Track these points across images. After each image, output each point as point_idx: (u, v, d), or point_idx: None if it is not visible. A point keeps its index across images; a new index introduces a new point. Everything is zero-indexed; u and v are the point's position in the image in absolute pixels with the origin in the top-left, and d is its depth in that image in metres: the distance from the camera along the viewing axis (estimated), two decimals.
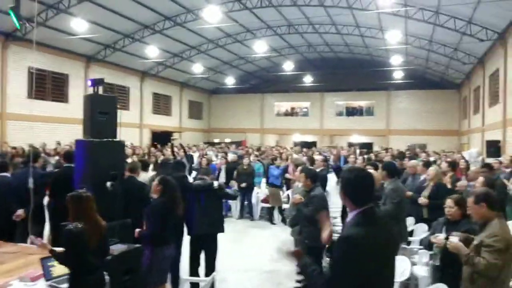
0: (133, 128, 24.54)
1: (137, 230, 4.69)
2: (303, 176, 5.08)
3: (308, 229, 4.90)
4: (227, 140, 29.14)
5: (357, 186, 2.39)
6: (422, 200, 6.00)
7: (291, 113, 33.24)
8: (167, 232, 4.58)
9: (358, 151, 19.85)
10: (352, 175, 2.46)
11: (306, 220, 4.90)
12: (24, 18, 15.57)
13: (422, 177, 6.92)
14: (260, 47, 22.00)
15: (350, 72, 28.27)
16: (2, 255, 4.77)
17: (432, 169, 6.28)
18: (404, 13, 17.22)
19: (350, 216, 2.40)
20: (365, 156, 10.87)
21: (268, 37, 23.16)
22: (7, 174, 6.17)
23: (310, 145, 27.60)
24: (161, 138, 25.98)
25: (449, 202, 4.25)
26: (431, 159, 11.90)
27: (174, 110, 30.08)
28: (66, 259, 3.56)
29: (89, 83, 5.74)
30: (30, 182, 4.93)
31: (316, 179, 5.11)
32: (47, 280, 3.81)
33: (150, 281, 4.49)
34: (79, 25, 16.83)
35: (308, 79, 28.75)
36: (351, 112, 31.32)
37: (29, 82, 18.53)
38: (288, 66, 25.64)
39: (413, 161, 7.76)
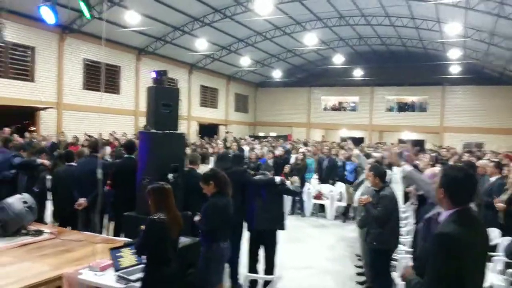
0: (181, 120, 24.78)
1: (196, 218, 4.57)
2: (372, 175, 4.82)
3: (376, 231, 4.65)
4: (273, 134, 28.98)
5: (463, 186, 2.31)
6: (500, 205, 5.55)
7: (339, 107, 32.53)
8: (223, 230, 4.46)
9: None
10: (461, 174, 2.35)
11: (374, 221, 4.65)
12: (79, 10, 16.12)
13: (492, 179, 6.43)
14: (309, 40, 21.62)
15: (402, 65, 27.23)
16: (70, 243, 4.86)
17: None
18: (465, 4, 16.29)
19: (445, 214, 2.32)
20: (432, 154, 10.33)
21: (318, 30, 22.69)
22: (73, 164, 6.31)
23: (358, 141, 26.94)
24: (207, 130, 26.25)
25: None
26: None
27: (221, 103, 30.26)
28: (144, 248, 3.59)
29: (153, 74, 5.72)
30: (99, 173, 4.98)
31: (385, 178, 4.84)
32: (116, 270, 3.82)
33: (208, 280, 4.37)
34: (132, 18, 17.18)
35: (357, 73, 27.98)
36: (403, 107, 30.21)
37: (84, 73, 19.18)
38: (338, 59, 25.06)
39: (482, 161, 7.26)
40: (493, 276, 4.94)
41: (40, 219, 6.11)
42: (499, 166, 6.49)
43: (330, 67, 27.48)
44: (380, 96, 30.40)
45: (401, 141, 25.74)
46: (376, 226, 4.63)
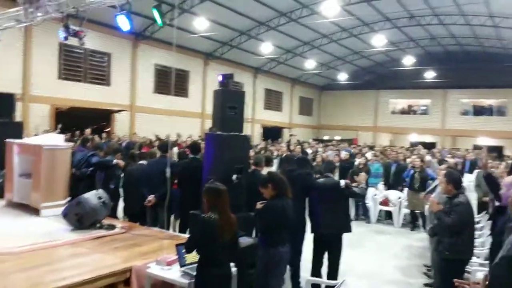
0: (245, 123, 25.14)
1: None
2: (445, 181, 4.54)
3: (449, 240, 4.36)
4: (337, 137, 28.45)
5: None
6: None
7: (408, 111, 31.20)
8: (282, 233, 4.38)
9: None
10: None
11: (447, 229, 4.37)
12: (151, 18, 16.91)
13: None
14: (377, 41, 21.07)
15: (479, 67, 25.50)
16: (139, 238, 5.11)
17: None
18: None
19: None
20: (508, 162, 9.58)
21: (387, 31, 22.00)
22: (144, 162, 6.63)
23: (429, 146, 25.63)
24: (271, 133, 26.37)
25: None
26: None
27: (285, 106, 30.30)
28: (192, 246, 3.62)
29: (220, 78, 5.85)
30: (168, 172, 5.16)
31: (460, 185, 4.53)
32: (181, 266, 3.92)
33: (267, 284, 4.33)
34: (200, 24, 17.79)
35: (429, 75, 26.71)
36: (479, 111, 28.31)
37: (155, 77, 20.12)
38: (408, 61, 24.14)
39: None
40: None
41: (113, 214, 6.48)
42: None
43: (399, 69, 26.49)
44: (453, 99, 28.76)
45: (476, 147, 24.12)
46: (449, 235, 4.35)
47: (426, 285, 5.93)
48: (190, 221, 5.53)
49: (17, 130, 8.38)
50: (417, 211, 9.36)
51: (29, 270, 3.88)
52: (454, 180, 4.52)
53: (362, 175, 5.62)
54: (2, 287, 3.40)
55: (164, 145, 6.96)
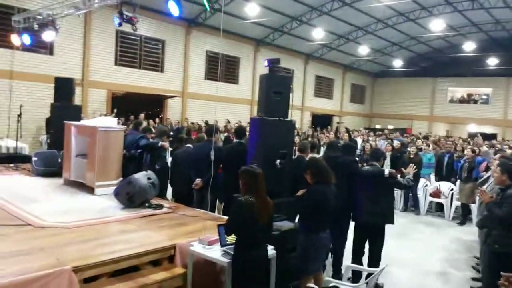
0: (295, 110, 25.08)
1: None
2: (498, 171, 4.31)
3: (499, 233, 4.16)
4: (390, 126, 27.60)
5: None
6: None
7: (468, 100, 29.56)
8: (322, 219, 4.36)
9: None
10: None
11: (498, 222, 4.16)
12: (212, 2, 17.18)
13: None
14: (436, 26, 20.08)
15: None
16: (184, 218, 5.30)
17: None
18: None
19: None
20: None
21: (446, 15, 20.84)
22: (191, 146, 6.82)
23: (489, 137, 24.25)
24: (321, 121, 26.07)
25: None
26: None
27: (336, 93, 29.74)
28: (232, 229, 3.70)
29: (266, 63, 5.85)
30: (212, 155, 5.27)
31: None
32: (222, 246, 4.03)
33: (306, 268, 4.36)
34: (251, 10, 17.77)
35: (492, 62, 25.08)
36: None
37: (206, 64, 20.46)
38: (468, 47, 22.79)
39: None
40: None
41: (162, 195, 6.75)
42: None
43: (459, 55, 25.10)
44: None
45: None
46: (500, 228, 4.15)
47: (474, 279, 5.70)
48: (230, 204, 5.64)
49: (76, 113, 8.93)
50: (467, 204, 8.97)
51: (80, 244, 4.14)
52: (509, 170, 4.28)
53: (410, 166, 5.44)
54: (55, 257, 3.66)
55: (211, 130, 7.11)
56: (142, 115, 12.56)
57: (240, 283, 3.62)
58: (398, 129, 24.40)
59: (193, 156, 6.53)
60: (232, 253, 3.72)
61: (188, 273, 4.05)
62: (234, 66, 22.22)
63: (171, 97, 18.66)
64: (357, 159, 9.30)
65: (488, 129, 27.71)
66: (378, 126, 28.47)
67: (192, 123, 17.03)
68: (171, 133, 10.15)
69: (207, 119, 17.64)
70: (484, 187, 5.06)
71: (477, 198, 6.74)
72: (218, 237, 4.10)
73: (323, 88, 28.73)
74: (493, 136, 24.96)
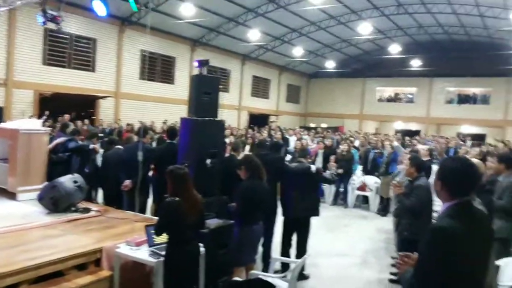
0: (232, 110, 25.28)
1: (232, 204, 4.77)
2: (408, 165, 4.72)
3: (408, 221, 4.57)
4: (324, 125, 28.63)
5: (460, 177, 2.17)
6: None
7: (394, 99, 31.48)
8: (254, 212, 4.59)
9: (469, 142, 18.24)
10: (458, 164, 2.22)
11: (407, 211, 4.56)
12: (139, 2, 16.84)
13: None
14: (365, 29, 21.12)
15: (465, 55, 25.74)
16: (112, 220, 5.22)
17: None
18: None
19: (443, 207, 2.20)
20: (481, 149, 9.87)
21: (374, 18, 22.08)
22: (121, 147, 6.72)
23: (413, 133, 25.95)
24: (258, 120, 26.45)
25: None
26: None
27: (272, 93, 30.35)
28: (161, 229, 3.75)
29: (196, 64, 5.91)
30: (140, 155, 5.26)
31: (422, 168, 4.72)
32: (150, 246, 4.06)
33: (240, 259, 4.55)
34: (187, 10, 17.68)
35: (415, 63, 26.88)
36: (463, 99, 28.64)
37: (141, 64, 20.04)
38: (394, 49, 24.23)
39: None
40: None
41: (91, 198, 6.59)
42: None
43: (386, 57, 26.60)
44: (439, 87, 29.04)
45: (459, 135, 24.54)
46: (409, 216, 4.55)
47: (392, 265, 6.14)
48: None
49: None
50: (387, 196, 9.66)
51: (2, 251, 3.97)
52: (416, 163, 4.70)
53: (332, 162, 5.79)
54: None
55: (140, 130, 7.05)
56: (67, 116, 12.00)
57: (172, 280, 3.67)
58: (331, 127, 25.41)
59: (123, 157, 6.44)
60: (162, 252, 3.77)
61: (115, 275, 4.03)
62: (170, 66, 21.96)
63: (103, 97, 18.06)
64: (291, 156, 9.68)
65: (413, 126, 29.68)
66: (312, 125, 29.40)
67: (129, 124, 16.60)
68: (102, 135, 9.88)
69: (143, 120, 17.29)
70: (397, 179, 5.50)
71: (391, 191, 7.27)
72: (146, 238, 4.13)
73: (260, 88, 29.20)
74: (417, 133, 26.76)
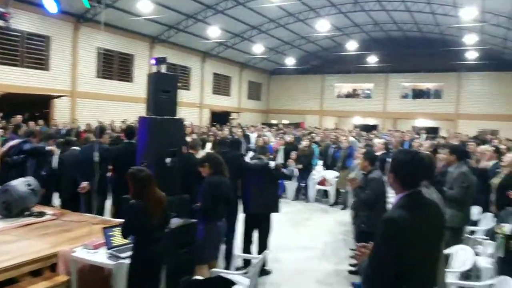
0: (194, 108, 25.08)
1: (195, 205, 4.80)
2: (362, 158, 4.88)
3: (365, 214, 4.73)
4: (285, 121, 28.97)
5: (410, 169, 2.29)
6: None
7: (353, 94, 32.26)
8: (218, 208, 4.66)
9: (424, 135, 18.97)
10: (408, 157, 2.35)
11: (363, 204, 4.72)
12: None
13: (490, 163, 6.39)
14: (323, 26, 21.44)
15: (419, 52, 26.76)
16: (69, 224, 5.08)
17: (509, 156, 5.75)
18: None
19: (396, 198, 2.33)
20: (434, 142, 10.31)
21: (332, 16, 22.49)
22: (77, 148, 6.53)
23: (371, 128, 26.74)
24: (220, 118, 26.40)
25: None
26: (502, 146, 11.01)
27: (234, 90, 30.35)
28: (127, 232, 3.73)
29: (153, 61, 5.83)
30: (95, 156, 5.15)
31: (375, 162, 4.89)
32: (108, 248, 3.99)
33: (204, 256, 4.58)
34: (145, 6, 17.33)
35: (372, 59, 27.63)
36: (418, 94, 29.75)
37: (97, 62, 19.49)
38: (352, 46, 24.78)
39: (483, 146, 7.22)
40: (482, 259, 4.97)
41: (46, 202, 6.37)
42: (498, 151, 6.47)
43: (344, 53, 27.19)
44: (395, 83, 30.01)
45: (414, 129, 25.49)
46: (365, 209, 4.71)
47: (351, 257, 6.33)
48: (121, 206, 5.57)
49: None
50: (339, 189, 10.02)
51: None
52: (370, 157, 4.87)
53: (290, 159, 5.90)
54: None
55: (97, 131, 6.88)
56: (19, 117, 11.50)
57: (138, 281, 3.65)
58: (292, 124, 25.73)
59: (79, 158, 6.27)
60: (121, 254, 3.74)
61: (72, 280, 3.93)
62: (128, 64, 21.49)
63: (58, 96, 17.41)
64: (252, 153, 9.74)
65: (371, 121, 30.56)
66: (274, 121, 29.68)
67: (88, 124, 16.11)
68: (57, 135, 9.54)
69: (102, 119, 16.84)
70: (353, 174, 5.68)
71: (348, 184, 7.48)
72: (104, 241, 4.06)
73: (221, 85, 29.12)
74: (374, 127, 27.61)
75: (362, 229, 4.66)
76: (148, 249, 3.67)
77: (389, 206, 6.37)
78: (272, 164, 5.62)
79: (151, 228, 3.67)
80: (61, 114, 17.75)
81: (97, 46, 19.29)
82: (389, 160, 7.20)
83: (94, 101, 18.85)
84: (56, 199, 6.93)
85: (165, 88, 5.71)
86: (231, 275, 4.17)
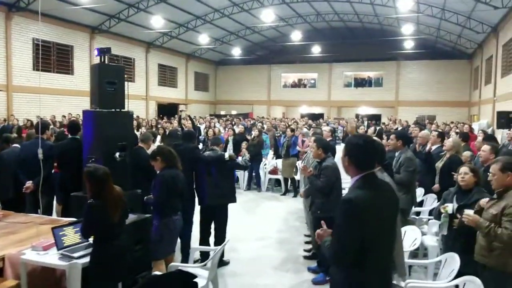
0: (139, 100, 24.41)
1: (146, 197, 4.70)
2: (315, 147, 4.98)
3: (320, 201, 4.85)
4: (234, 112, 28.96)
5: (364, 152, 2.43)
6: (435, 186, 5.92)
7: (299, 84, 32.82)
8: (174, 202, 4.59)
9: (366, 122, 19.74)
10: (361, 140, 2.50)
11: (318, 191, 4.84)
12: None
13: (434, 147, 6.76)
14: (267, 16, 21.54)
15: (359, 42, 27.67)
16: (14, 225, 4.79)
17: (450, 140, 6.13)
18: None
19: (352, 181, 2.45)
20: (376, 128, 10.74)
21: (276, 6, 22.65)
22: (17, 146, 6.15)
23: (317, 117, 27.41)
24: (167, 110, 25.91)
25: (464, 169, 4.14)
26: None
27: (180, 82, 29.82)
28: (87, 232, 3.68)
29: (96, 52, 5.58)
30: (40, 153, 4.87)
31: (328, 150, 5.02)
32: (59, 249, 3.82)
33: (160, 252, 4.51)
34: None
35: (316, 50, 28.20)
36: (360, 83, 30.85)
37: (34, 54, 18.38)
38: (296, 36, 25.11)
39: (424, 131, 7.62)
40: (428, 237, 5.29)
41: None
42: (441, 136, 6.86)
43: (289, 44, 27.54)
44: (338, 72, 30.88)
45: (357, 116, 26.44)
46: (320, 196, 4.82)
47: (306, 242, 6.51)
48: (72, 204, 5.34)
49: None
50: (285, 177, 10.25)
51: None
52: (323, 145, 4.99)
53: (243, 149, 5.92)
54: None
55: (39, 126, 6.50)
56: None
57: (99, 279, 3.58)
58: (241, 114, 25.78)
59: (21, 156, 5.92)
60: (73, 254, 3.62)
61: (22, 284, 3.73)
62: (67, 55, 20.45)
63: None
64: (202, 144, 9.65)
65: (317, 110, 31.33)
66: (223, 112, 29.58)
67: (29, 119, 15.21)
68: None
69: (41, 114, 15.94)
70: (303, 162, 5.79)
71: (299, 172, 7.64)
72: (53, 241, 3.87)
73: (167, 77, 28.51)
74: (320, 116, 28.29)
75: (319, 215, 4.77)
76: (110, 246, 3.60)
77: (344, 192, 6.60)
78: (226, 155, 5.60)
79: (112, 226, 3.61)
80: None
81: (33, 37, 18.18)
82: (337, 146, 7.42)
83: (32, 95, 17.77)
84: None
85: (110, 79, 5.50)
86: (190, 268, 4.13)
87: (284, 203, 9.52)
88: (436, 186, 5.87)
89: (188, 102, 29.61)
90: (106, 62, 5.66)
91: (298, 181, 10.11)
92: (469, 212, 3.57)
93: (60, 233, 3.92)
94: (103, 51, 5.53)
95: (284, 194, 10.27)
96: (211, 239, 5.64)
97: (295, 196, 10.01)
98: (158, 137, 8.24)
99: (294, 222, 7.93)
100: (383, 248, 2.42)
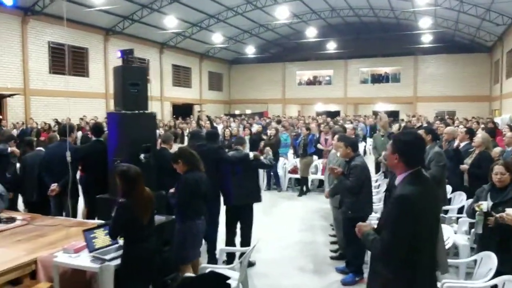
0: (154, 101, 24.47)
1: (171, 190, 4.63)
2: (343, 145, 4.88)
3: (350, 200, 4.76)
4: (248, 111, 28.90)
5: (415, 148, 2.44)
6: (463, 166, 5.77)
7: (314, 82, 32.57)
8: (197, 205, 4.50)
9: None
10: (412, 137, 2.52)
11: (348, 191, 4.74)
12: None
13: (462, 144, 6.59)
14: (281, 13, 21.41)
15: (375, 37, 27.35)
16: (42, 228, 4.81)
17: (479, 137, 5.97)
18: None
19: (400, 177, 2.45)
20: (402, 124, 10.55)
21: (289, 3, 22.50)
22: (42, 149, 6.18)
23: (334, 114, 27.17)
24: (181, 110, 25.96)
25: (499, 169, 4.00)
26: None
27: (194, 82, 29.86)
28: (116, 232, 3.67)
29: (118, 54, 5.57)
30: (68, 156, 4.87)
31: (357, 148, 4.92)
32: (90, 251, 3.81)
33: (185, 256, 4.43)
34: None
35: (331, 46, 27.94)
36: (376, 79, 30.49)
37: (50, 57, 18.58)
38: (310, 33, 24.90)
39: (450, 127, 7.46)
40: (458, 236, 5.15)
41: (13, 207, 6.01)
42: (470, 132, 6.69)
43: (303, 41, 27.34)
44: (354, 68, 30.56)
45: (374, 113, 26.13)
46: (350, 196, 4.73)
47: (332, 242, 6.40)
48: (98, 206, 5.34)
49: None
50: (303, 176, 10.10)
51: None
52: (351, 143, 4.88)
53: (267, 148, 5.86)
54: None
55: (63, 129, 6.53)
56: None
57: (130, 280, 3.59)
58: (255, 113, 25.71)
59: (46, 159, 5.94)
60: (105, 257, 3.59)
61: (55, 286, 3.73)
62: (82, 58, 20.62)
63: (10, 95, 16.50)
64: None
65: (332, 107, 31.04)
66: (237, 112, 29.55)
67: (45, 123, 15.37)
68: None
69: (57, 117, 16.11)
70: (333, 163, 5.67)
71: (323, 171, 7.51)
72: (85, 243, 3.86)
73: (181, 77, 28.58)
74: (337, 113, 28.05)
75: (349, 215, 4.68)
76: (140, 248, 3.60)
77: (375, 191, 6.48)
78: (251, 154, 5.55)
79: (142, 227, 3.60)
80: (13, 113, 16.86)
81: (48, 40, 18.38)
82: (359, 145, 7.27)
83: (49, 98, 17.98)
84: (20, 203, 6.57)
85: (133, 81, 5.49)
86: (222, 269, 4.08)
87: (304, 203, 9.41)
88: (464, 166, 5.73)
89: (203, 102, 29.64)
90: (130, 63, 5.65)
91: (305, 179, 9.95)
92: (510, 211, 3.45)
93: (91, 236, 3.91)
94: (126, 53, 5.52)
95: (300, 195, 10.10)
96: (237, 240, 5.59)
97: (299, 195, 9.96)
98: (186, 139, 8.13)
99: (315, 221, 7.83)
100: (431, 245, 2.44)
